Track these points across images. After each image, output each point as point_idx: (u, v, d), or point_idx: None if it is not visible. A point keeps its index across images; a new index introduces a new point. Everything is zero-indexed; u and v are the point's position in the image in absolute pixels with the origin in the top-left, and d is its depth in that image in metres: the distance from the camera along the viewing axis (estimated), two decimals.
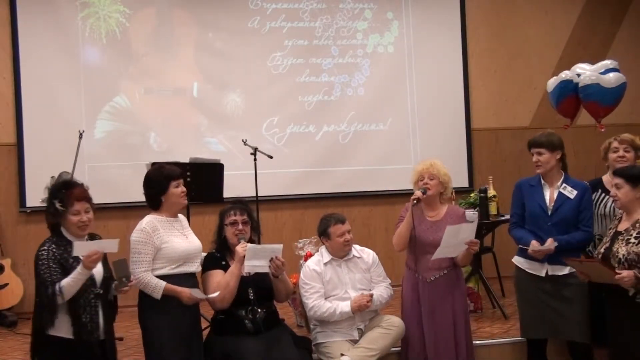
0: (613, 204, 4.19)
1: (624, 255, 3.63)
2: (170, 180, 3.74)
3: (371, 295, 4.14)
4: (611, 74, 5.43)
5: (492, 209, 5.53)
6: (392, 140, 7.10)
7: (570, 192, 4.07)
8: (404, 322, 4.19)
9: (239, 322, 3.88)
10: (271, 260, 3.87)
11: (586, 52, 7.15)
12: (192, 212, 5.15)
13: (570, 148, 6.75)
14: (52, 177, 3.56)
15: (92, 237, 3.60)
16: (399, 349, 4.28)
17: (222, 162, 5.31)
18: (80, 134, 5.42)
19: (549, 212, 4.07)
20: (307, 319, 4.51)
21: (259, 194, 5.37)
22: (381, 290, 4.27)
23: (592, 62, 5.66)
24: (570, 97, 5.56)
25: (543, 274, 4.06)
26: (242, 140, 5.57)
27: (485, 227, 5.61)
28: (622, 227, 3.78)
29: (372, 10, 7.10)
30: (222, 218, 4.09)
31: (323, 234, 4.29)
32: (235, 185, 5.74)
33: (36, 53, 6.36)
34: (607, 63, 5.54)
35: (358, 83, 7.07)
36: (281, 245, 3.91)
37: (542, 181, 4.16)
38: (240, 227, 4.00)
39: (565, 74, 5.60)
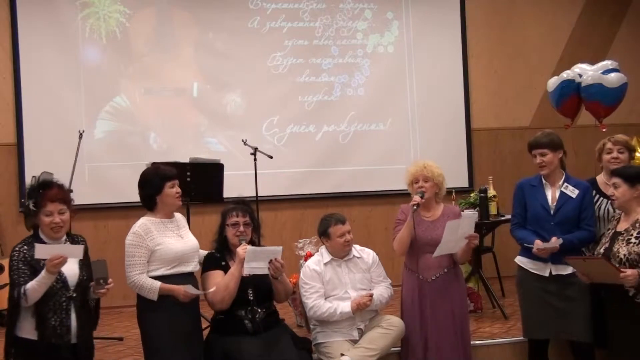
0: (607, 206, 4.20)
1: (625, 255, 3.63)
2: (165, 181, 3.73)
3: (371, 295, 4.14)
4: (613, 74, 5.44)
5: (492, 209, 5.54)
6: (392, 140, 7.10)
7: (572, 192, 4.07)
8: (404, 322, 4.18)
9: (238, 323, 3.87)
10: (270, 262, 3.87)
11: (586, 52, 7.14)
12: (192, 212, 5.16)
13: (570, 148, 6.74)
14: (34, 176, 3.53)
15: (74, 239, 3.57)
16: (399, 349, 4.28)
17: (222, 162, 5.31)
18: (80, 134, 5.42)
19: (552, 212, 4.07)
20: (307, 319, 4.50)
21: (259, 194, 5.37)
22: (381, 290, 4.26)
23: (592, 62, 5.67)
24: (572, 96, 5.57)
25: (547, 274, 4.05)
26: (242, 140, 5.57)
27: (485, 227, 5.61)
28: (621, 227, 3.79)
29: (372, 10, 7.10)
30: (223, 218, 4.08)
31: (323, 234, 4.29)
32: (235, 185, 5.74)
33: (36, 53, 6.36)
34: (607, 63, 5.55)
35: (358, 83, 7.07)
36: (281, 248, 3.91)
37: (544, 181, 4.16)
38: (242, 228, 4.00)
39: (566, 74, 5.60)
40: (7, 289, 5.77)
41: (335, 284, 4.22)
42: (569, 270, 3.98)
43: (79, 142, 5.40)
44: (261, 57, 6.86)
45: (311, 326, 4.40)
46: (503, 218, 5.51)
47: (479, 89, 7.33)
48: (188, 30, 6.75)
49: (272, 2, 6.89)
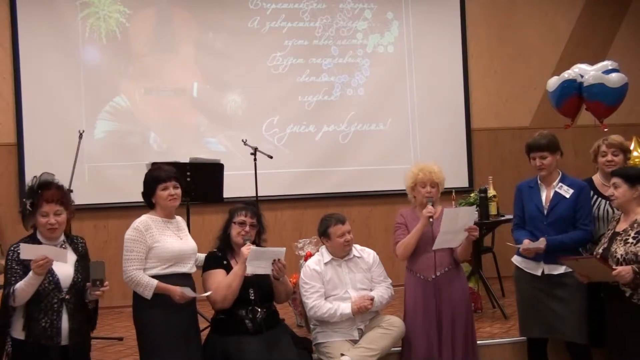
0: (607, 207, 4.20)
1: (622, 255, 3.64)
2: (157, 184, 3.74)
3: (372, 298, 4.14)
4: (614, 74, 5.45)
5: (492, 209, 5.54)
6: (392, 140, 7.10)
7: (566, 191, 4.08)
8: (407, 323, 4.18)
9: (239, 322, 3.87)
10: (273, 262, 3.88)
11: (586, 52, 7.15)
12: (192, 212, 5.16)
13: (570, 148, 6.82)
14: (35, 176, 3.54)
15: (73, 240, 3.56)
16: (399, 349, 4.28)
17: (222, 162, 5.31)
18: (80, 134, 5.42)
19: (545, 212, 4.09)
20: (307, 319, 4.50)
21: (259, 194, 5.37)
22: (382, 291, 4.26)
23: (592, 62, 5.67)
24: (573, 96, 5.57)
25: (539, 273, 4.08)
26: (242, 140, 5.57)
27: (485, 227, 5.61)
28: (620, 227, 3.80)
29: (372, 10, 7.10)
30: (231, 215, 4.09)
31: (323, 234, 4.29)
32: (235, 185, 5.74)
33: (36, 53, 6.36)
34: (607, 64, 5.54)
35: (358, 83, 7.07)
36: (284, 249, 3.93)
37: (539, 182, 4.18)
38: (247, 228, 4.01)
39: (568, 74, 5.60)
40: None
41: (335, 283, 4.22)
42: (560, 270, 4.00)
43: (79, 142, 5.40)
44: (261, 57, 6.86)
45: (311, 326, 4.40)
46: (503, 218, 5.51)
47: (479, 89, 7.33)
48: (188, 30, 6.75)
49: (272, 2, 6.89)
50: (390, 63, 7.14)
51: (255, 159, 5.43)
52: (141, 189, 3.85)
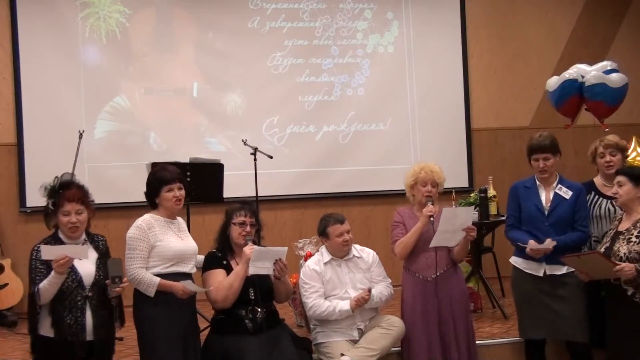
0: (608, 205, 4.20)
1: (625, 254, 3.65)
2: (162, 185, 3.74)
3: (369, 290, 4.13)
4: (615, 74, 5.45)
5: (492, 209, 5.53)
6: (392, 140, 7.10)
7: (566, 193, 4.09)
8: (405, 323, 4.18)
9: (239, 322, 3.87)
10: (275, 262, 3.88)
11: (586, 52, 7.15)
12: (192, 212, 5.16)
13: (570, 148, 6.82)
14: (57, 177, 3.64)
15: (94, 238, 3.63)
16: (399, 349, 4.28)
17: (222, 162, 5.30)
18: (80, 134, 5.42)
19: (546, 213, 4.08)
20: (307, 319, 4.50)
21: (259, 194, 5.37)
22: (381, 289, 4.26)
23: (592, 62, 5.67)
24: (574, 96, 5.56)
25: (541, 274, 4.07)
26: (242, 140, 5.56)
27: (485, 227, 5.61)
28: (622, 227, 3.81)
29: (372, 10, 7.10)
30: (229, 216, 4.08)
31: (322, 233, 4.29)
32: (235, 185, 5.74)
33: (36, 53, 6.36)
34: (606, 64, 5.54)
35: (358, 83, 7.07)
36: (286, 249, 3.93)
37: (538, 182, 4.18)
38: (248, 228, 4.01)
39: (568, 74, 5.59)
40: (7, 289, 5.85)
41: (335, 283, 4.22)
42: (563, 270, 4.00)
43: (79, 142, 5.40)
44: (261, 57, 6.86)
45: (311, 326, 4.40)
46: (503, 218, 5.47)
47: (479, 89, 7.33)
48: (188, 30, 6.75)
49: (272, 2, 6.89)
50: (390, 63, 7.14)
51: (255, 159, 5.43)
52: (142, 188, 3.85)
